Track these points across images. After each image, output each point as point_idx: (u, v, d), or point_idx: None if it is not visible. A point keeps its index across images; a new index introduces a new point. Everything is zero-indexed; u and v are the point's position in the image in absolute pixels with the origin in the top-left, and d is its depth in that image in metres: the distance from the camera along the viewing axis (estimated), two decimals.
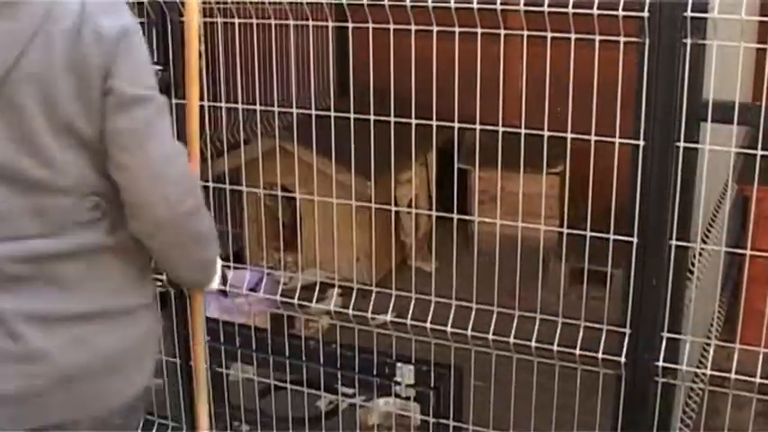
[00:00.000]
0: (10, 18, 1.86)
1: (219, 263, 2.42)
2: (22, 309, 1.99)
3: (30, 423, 2.06)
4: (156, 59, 3.13)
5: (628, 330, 2.69)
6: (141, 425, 2.40)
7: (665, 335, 2.66)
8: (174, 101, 3.13)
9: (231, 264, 3.50)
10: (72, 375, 2.05)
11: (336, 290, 3.22)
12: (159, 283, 3.14)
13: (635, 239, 2.61)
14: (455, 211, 2.93)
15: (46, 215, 1.99)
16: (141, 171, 1.99)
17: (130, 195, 2.02)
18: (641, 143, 2.53)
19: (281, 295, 3.18)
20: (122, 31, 1.94)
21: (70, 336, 2.04)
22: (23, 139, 1.92)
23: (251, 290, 3.55)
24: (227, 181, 3.42)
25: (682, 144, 2.50)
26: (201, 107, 3.16)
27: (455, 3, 2.57)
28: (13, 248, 1.97)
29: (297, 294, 3.12)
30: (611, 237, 2.68)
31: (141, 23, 3.02)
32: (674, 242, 2.59)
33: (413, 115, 2.82)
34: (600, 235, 2.72)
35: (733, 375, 2.61)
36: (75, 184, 2.00)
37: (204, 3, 3.03)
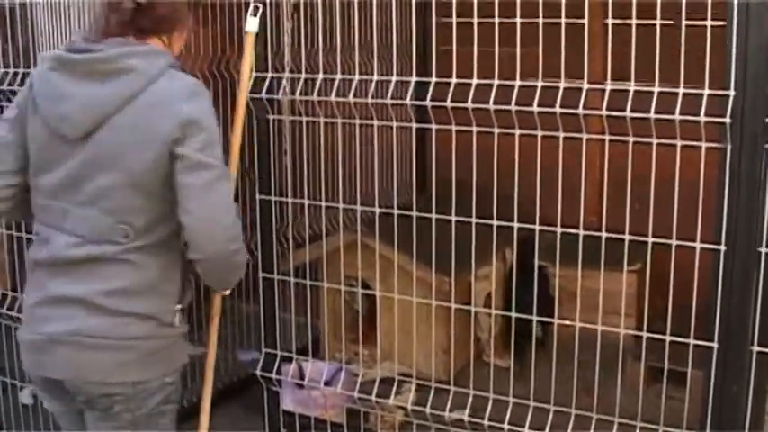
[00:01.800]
0: (119, 81, 2.48)
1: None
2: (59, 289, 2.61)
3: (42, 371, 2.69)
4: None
5: None
6: None
7: None
8: (258, 196, 3.20)
9: (310, 357, 3.53)
10: (58, 340, 2.60)
11: (413, 386, 3.22)
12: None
13: (715, 344, 2.59)
14: (534, 310, 2.94)
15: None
16: (203, 215, 2.52)
17: (191, 233, 2.53)
18: (722, 248, 2.52)
19: (358, 390, 3.19)
20: (194, 116, 2.48)
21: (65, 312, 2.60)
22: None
23: (326, 383, 3.57)
24: (308, 273, 3.45)
25: (764, 249, 2.49)
26: (284, 203, 3.22)
27: (538, 107, 2.61)
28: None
29: (375, 390, 3.13)
30: (691, 342, 2.67)
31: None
32: (755, 347, 2.56)
33: (494, 215, 2.84)
34: (680, 340, 2.70)
35: None
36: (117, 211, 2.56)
37: (291, 101, 3.11)
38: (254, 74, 3.08)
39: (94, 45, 2.51)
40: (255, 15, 3.00)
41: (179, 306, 2.71)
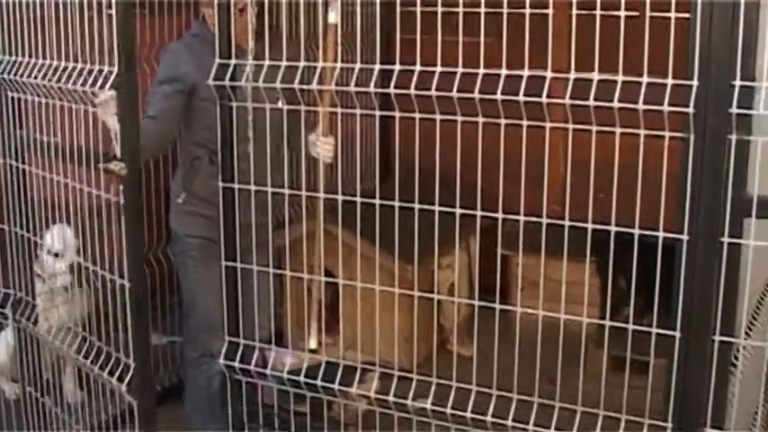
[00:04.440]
0: None
1: None
2: None
3: None
4: None
5: (670, 424, 2.67)
6: None
7: (708, 430, 2.63)
8: (221, 183, 3.19)
9: (273, 345, 3.51)
10: None
11: (377, 375, 3.21)
12: None
13: (678, 334, 2.60)
14: (497, 299, 2.93)
15: None
16: None
17: None
18: (685, 237, 2.53)
19: (323, 379, 3.18)
20: None
21: None
22: None
23: (290, 372, 3.55)
24: (270, 261, 3.43)
25: (726, 239, 2.49)
26: (248, 191, 3.20)
27: (501, 95, 2.60)
28: None
29: (338, 379, 3.12)
30: (654, 330, 2.67)
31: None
32: (717, 337, 2.57)
33: (457, 204, 2.83)
34: (642, 329, 2.71)
35: None
36: None
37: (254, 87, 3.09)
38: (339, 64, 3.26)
39: None
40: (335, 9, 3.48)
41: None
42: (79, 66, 3.30)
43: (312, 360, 3.40)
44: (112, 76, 3.15)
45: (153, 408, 3.43)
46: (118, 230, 3.36)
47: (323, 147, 3.92)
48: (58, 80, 3.34)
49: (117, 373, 3.40)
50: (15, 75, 3.60)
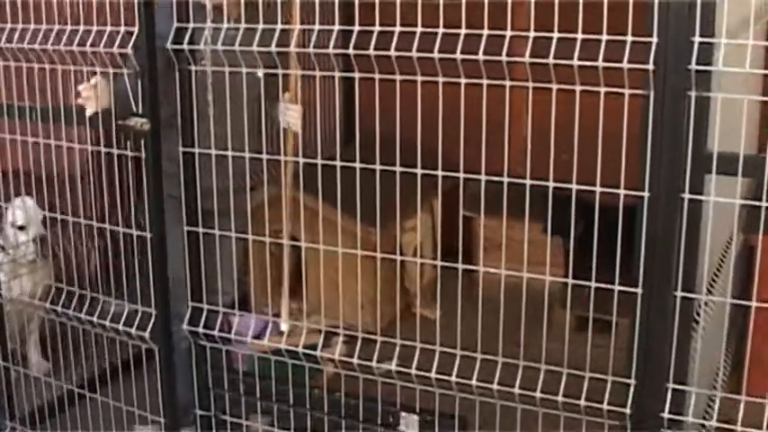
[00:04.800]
0: None
1: None
2: None
3: None
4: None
5: (633, 381, 2.69)
6: None
7: (671, 386, 2.65)
8: (181, 149, 3.16)
9: (236, 310, 3.50)
10: None
11: (341, 338, 3.21)
12: None
13: (640, 290, 2.61)
14: (460, 259, 2.93)
15: None
16: None
17: None
18: (646, 194, 2.53)
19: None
20: None
21: None
22: None
23: (255, 337, 3.54)
24: (233, 226, 3.42)
25: (687, 195, 2.50)
26: (209, 155, 3.18)
27: (461, 54, 2.59)
28: None
29: (301, 343, 3.12)
30: (616, 288, 2.68)
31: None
32: (679, 293, 2.58)
33: (419, 165, 2.82)
34: (605, 286, 2.72)
35: (739, 427, 2.59)
36: None
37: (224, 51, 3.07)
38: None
39: None
40: None
41: None
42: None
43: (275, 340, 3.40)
44: (134, 36, 3.14)
45: (172, 353, 3.46)
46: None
47: (290, 115, 3.93)
48: (79, 44, 3.32)
49: (135, 323, 3.46)
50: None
